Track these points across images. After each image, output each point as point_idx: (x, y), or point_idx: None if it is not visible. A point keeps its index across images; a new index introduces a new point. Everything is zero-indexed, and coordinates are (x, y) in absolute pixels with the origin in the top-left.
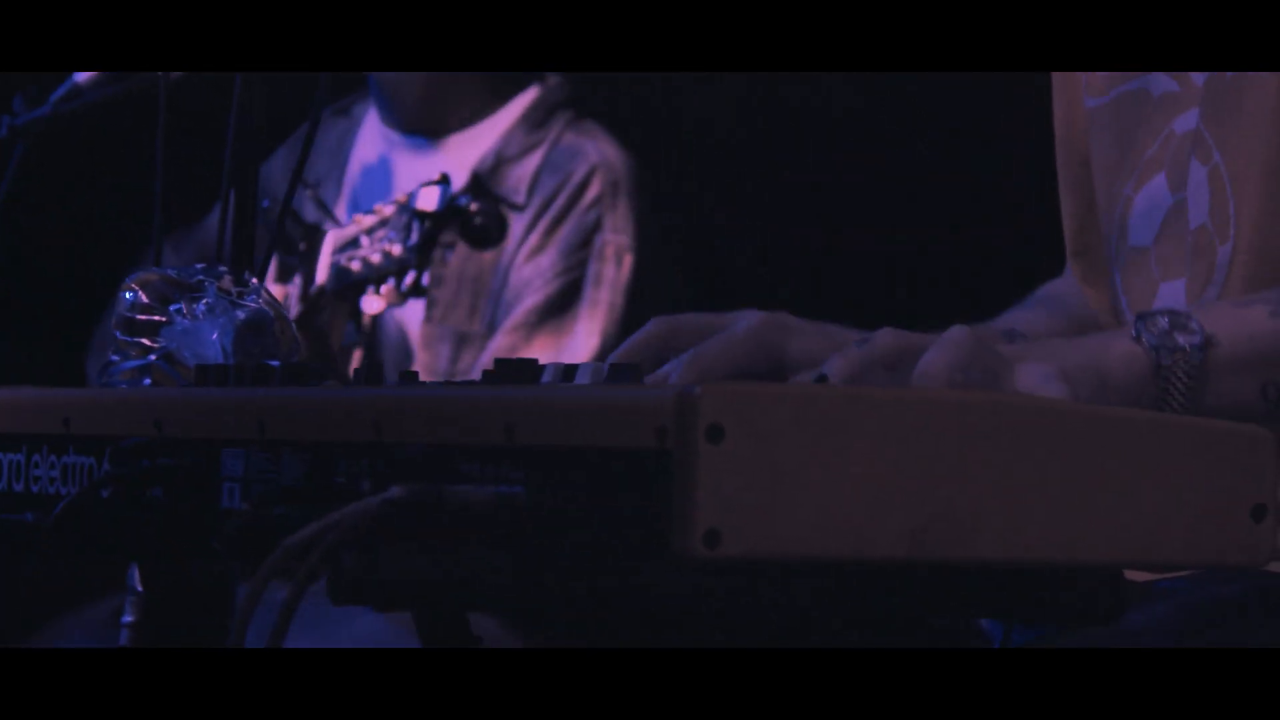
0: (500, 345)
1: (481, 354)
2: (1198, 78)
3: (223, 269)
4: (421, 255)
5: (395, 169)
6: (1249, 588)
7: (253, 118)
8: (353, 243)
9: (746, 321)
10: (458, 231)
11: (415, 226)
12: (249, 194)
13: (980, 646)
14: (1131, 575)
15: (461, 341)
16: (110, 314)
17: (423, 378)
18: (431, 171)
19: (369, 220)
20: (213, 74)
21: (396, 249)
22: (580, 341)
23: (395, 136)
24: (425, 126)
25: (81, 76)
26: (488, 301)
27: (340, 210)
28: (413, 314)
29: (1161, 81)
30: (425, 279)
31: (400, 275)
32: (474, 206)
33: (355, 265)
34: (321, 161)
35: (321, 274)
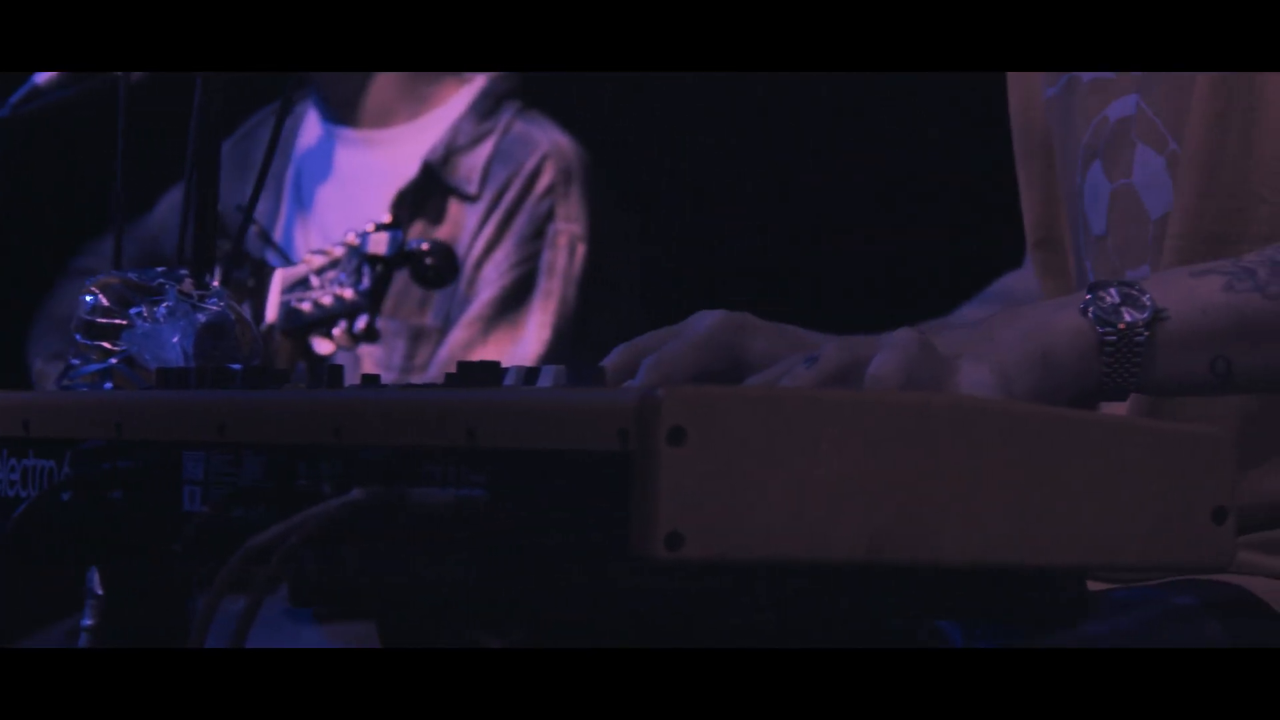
0: (457, 339)
1: (438, 348)
2: None
3: (183, 272)
4: (373, 300)
5: (338, 162)
6: (1207, 598)
7: (212, 118)
8: (302, 283)
9: (707, 321)
10: (410, 274)
11: (366, 270)
12: (210, 196)
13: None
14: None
15: (417, 337)
16: (55, 299)
17: (374, 372)
18: (376, 163)
19: (319, 260)
20: (172, 74)
21: (348, 293)
22: (532, 334)
23: (338, 130)
24: (366, 119)
25: (40, 78)
26: (442, 295)
27: (284, 210)
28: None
29: None
30: (379, 323)
31: (352, 318)
32: (425, 247)
33: (306, 306)
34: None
35: (271, 312)
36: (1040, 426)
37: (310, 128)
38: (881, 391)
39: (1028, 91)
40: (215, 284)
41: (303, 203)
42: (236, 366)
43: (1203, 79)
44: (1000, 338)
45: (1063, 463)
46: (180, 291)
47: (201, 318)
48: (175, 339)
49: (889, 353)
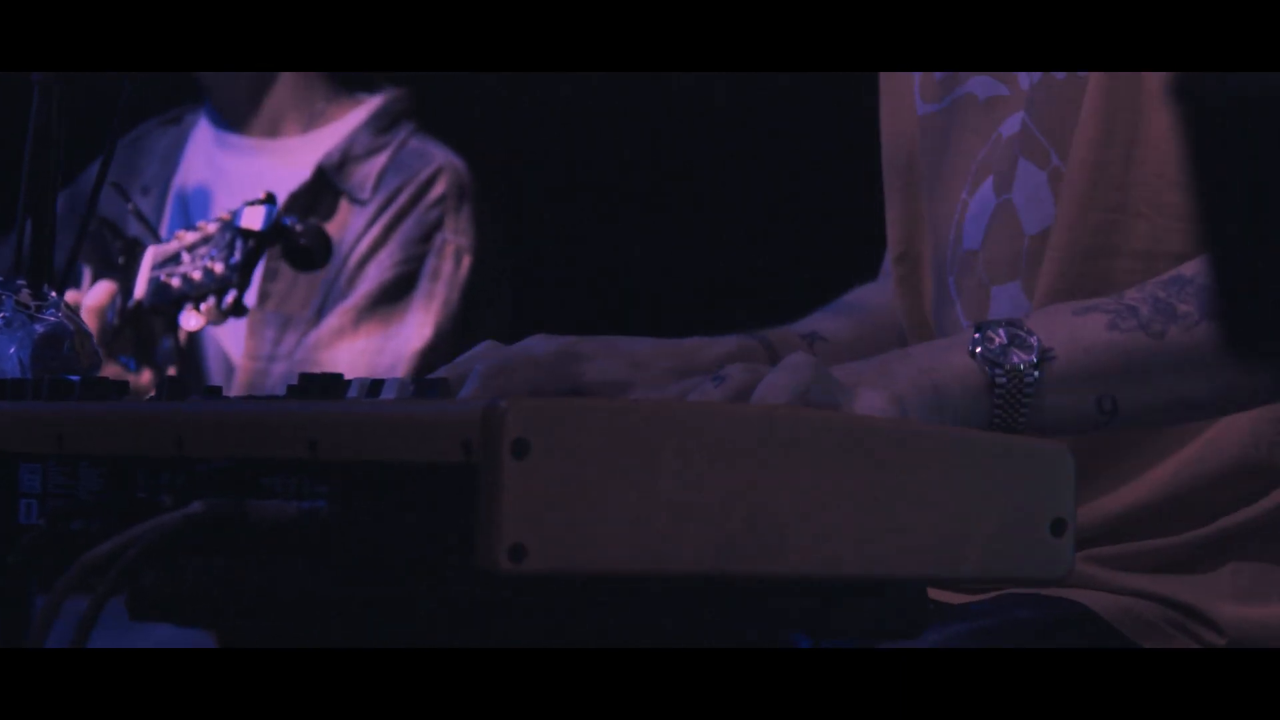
0: (329, 327)
1: (306, 336)
2: (1023, 80)
3: (20, 282)
4: (243, 274)
5: (227, 171)
6: (1047, 614)
7: (54, 126)
8: (173, 258)
9: (541, 348)
10: (281, 252)
11: (238, 245)
12: (48, 205)
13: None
14: (943, 598)
15: (286, 324)
16: None
17: (247, 366)
18: (267, 170)
19: (191, 236)
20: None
21: (218, 267)
22: (412, 331)
23: (229, 138)
24: (258, 128)
25: None
26: (321, 290)
27: (168, 215)
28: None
29: (988, 85)
30: (246, 299)
31: (221, 294)
32: (299, 227)
33: (175, 281)
34: (150, 168)
35: (140, 288)
36: (882, 438)
37: (201, 137)
38: (725, 404)
39: (899, 106)
40: (52, 294)
41: (189, 210)
42: (75, 378)
43: (1090, 96)
44: (895, 371)
45: (905, 474)
46: (17, 302)
47: (39, 328)
48: (12, 349)
49: (779, 374)
